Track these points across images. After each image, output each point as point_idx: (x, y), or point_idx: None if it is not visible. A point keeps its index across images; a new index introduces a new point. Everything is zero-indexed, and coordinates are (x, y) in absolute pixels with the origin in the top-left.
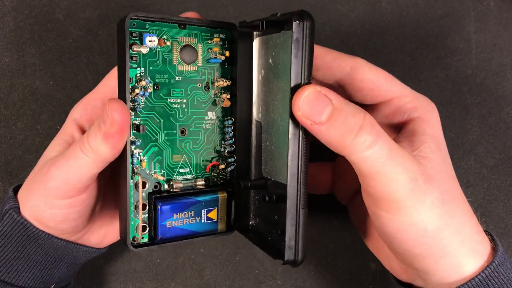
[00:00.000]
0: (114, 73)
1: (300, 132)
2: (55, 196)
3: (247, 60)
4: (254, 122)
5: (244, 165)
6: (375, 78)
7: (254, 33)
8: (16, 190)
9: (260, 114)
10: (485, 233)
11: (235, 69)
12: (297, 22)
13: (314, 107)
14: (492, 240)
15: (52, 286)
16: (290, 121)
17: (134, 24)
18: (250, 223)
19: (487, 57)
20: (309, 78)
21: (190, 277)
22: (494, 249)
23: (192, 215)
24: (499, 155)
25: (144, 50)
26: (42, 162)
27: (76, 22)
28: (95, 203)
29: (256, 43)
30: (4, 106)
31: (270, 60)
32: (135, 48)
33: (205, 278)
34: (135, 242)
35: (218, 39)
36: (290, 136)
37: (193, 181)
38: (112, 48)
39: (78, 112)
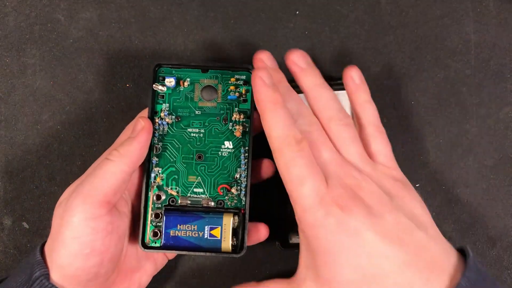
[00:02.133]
0: (128, 128)
1: None
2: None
3: None
4: None
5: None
6: None
7: None
8: (42, 247)
9: None
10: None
11: (252, 106)
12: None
13: None
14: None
15: None
16: None
17: (163, 71)
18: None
19: (486, 57)
20: None
21: (190, 277)
22: None
23: (195, 229)
24: (498, 155)
25: (162, 89)
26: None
27: (76, 23)
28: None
29: None
30: (4, 106)
31: None
32: (154, 87)
33: (205, 278)
34: (145, 243)
35: (234, 79)
36: None
37: (204, 200)
38: (112, 48)
39: None
